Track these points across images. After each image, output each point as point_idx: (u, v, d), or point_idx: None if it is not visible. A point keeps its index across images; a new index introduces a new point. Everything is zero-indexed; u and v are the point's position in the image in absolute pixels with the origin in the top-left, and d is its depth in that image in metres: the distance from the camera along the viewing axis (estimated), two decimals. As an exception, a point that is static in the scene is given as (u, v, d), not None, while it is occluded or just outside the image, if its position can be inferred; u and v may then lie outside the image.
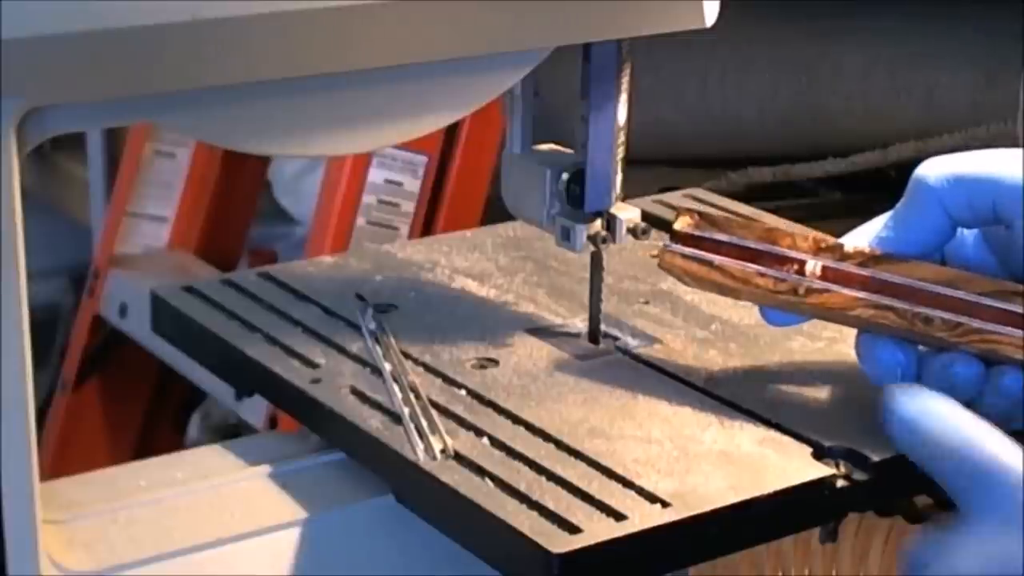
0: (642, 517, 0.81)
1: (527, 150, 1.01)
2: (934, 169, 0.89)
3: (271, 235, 2.20)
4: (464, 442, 0.88)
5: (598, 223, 0.99)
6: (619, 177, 0.99)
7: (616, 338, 1.01)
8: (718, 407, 0.92)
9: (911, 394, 0.85)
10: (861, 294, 0.91)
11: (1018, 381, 0.87)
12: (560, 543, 0.79)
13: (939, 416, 0.84)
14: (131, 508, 0.88)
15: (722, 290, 0.94)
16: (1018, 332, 0.87)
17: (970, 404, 0.89)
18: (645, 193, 1.20)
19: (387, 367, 0.96)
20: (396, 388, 0.93)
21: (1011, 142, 1.44)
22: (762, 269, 0.92)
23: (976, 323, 0.88)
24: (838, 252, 0.92)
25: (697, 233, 0.95)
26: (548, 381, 0.95)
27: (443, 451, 0.87)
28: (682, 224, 0.95)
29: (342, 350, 0.99)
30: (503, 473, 0.85)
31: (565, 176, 0.98)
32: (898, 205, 0.91)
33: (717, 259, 0.94)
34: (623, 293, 1.07)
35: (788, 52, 1.78)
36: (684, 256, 0.95)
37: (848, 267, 0.91)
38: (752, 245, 0.93)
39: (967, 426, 0.83)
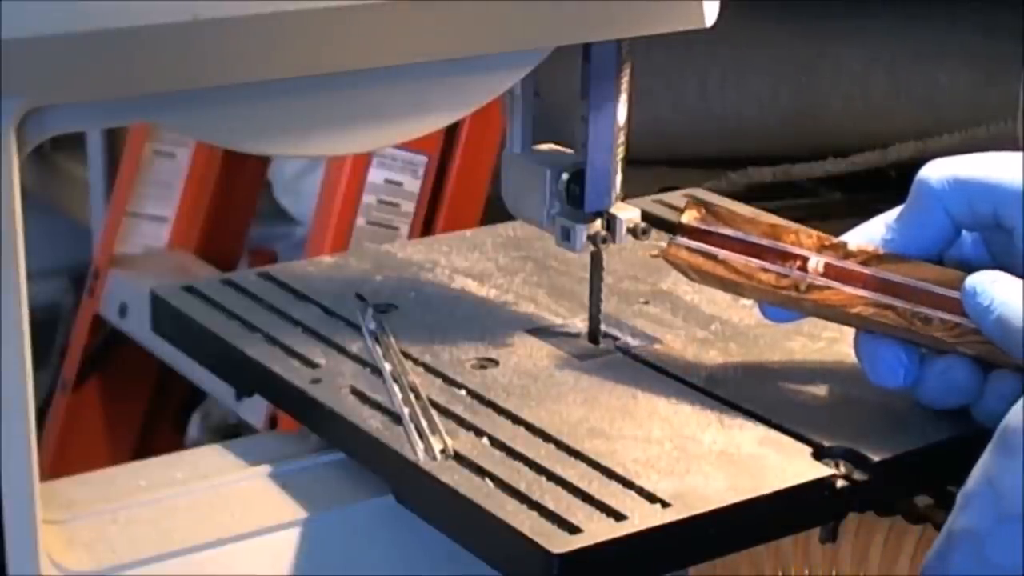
0: (642, 517, 0.81)
1: (527, 150, 1.01)
2: (936, 171, 0.89)
3: (271, 235, 2.19)
4: (464, 442, 0.88)
5: (598, 223, 0.99)
6: (619, 177, 0.99)
7: (616, 338, 1.01)
8: (718, 407, 0.92)
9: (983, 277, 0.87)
10: (862, 292, 0.91)
11: (1016, 385, 0.87)
12: (560, 543, 0.79)
13: (1005, 281, 0.86)
14: (131, 508, 0.88)
15: (725, 285, 0.95)
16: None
17: (968, 408, 0.89)
18: (645, 193, 1.20)
19: (387, 367, 0.96)
20: (396, 388, 0.93)
21: (1011, 142, 1.44)
22: (766, 264, 0.93)
23: (974, 324, 0.88)
24: (841, 250, 0.92)
25: (703, 227, 0.95)
26: (548, 381, 0.95)
27: (443, 451, 0.87)
28: (689, 218, 0.95)
29: (342, 350, 0.99)
30: (503, 473, 0.85)
31: (565, 176, 0.98)
32: (902, 207, 0.91)
33: (722, 253, 0.94)
34: (623, 293, 1.07)
35: (788, 52, 1.78)
36: (689, 249, 0.95)
37: (851, 265, 0.91)
38: (757, 240, 0.93)
39: None
